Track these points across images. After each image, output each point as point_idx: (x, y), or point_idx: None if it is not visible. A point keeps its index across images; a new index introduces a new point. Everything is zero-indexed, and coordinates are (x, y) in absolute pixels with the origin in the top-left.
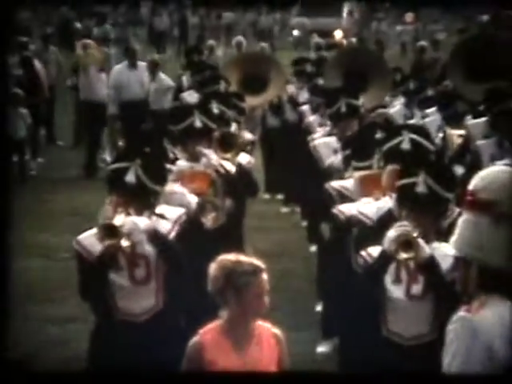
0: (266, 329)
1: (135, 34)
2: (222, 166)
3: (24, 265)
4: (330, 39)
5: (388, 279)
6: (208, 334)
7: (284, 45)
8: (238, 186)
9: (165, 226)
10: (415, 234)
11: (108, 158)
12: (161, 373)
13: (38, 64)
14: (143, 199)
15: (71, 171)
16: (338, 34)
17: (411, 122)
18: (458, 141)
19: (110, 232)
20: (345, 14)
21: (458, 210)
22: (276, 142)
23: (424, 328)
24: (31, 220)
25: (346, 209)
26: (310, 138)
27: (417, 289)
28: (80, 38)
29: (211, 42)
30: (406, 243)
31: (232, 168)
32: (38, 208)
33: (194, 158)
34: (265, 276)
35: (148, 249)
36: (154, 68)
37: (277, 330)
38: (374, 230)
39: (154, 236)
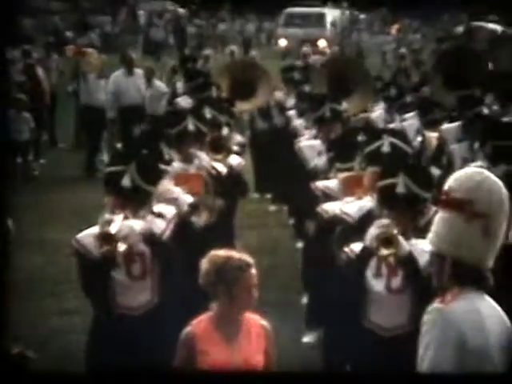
0: (255, 320)
1: (133, 42)
2: (213, 167)
3: (26, 260)
4: (314, 48)
5: (369, 273)
6: (200, 324)
7: (270, 54)
8: (229, 186)
9: (159, 226)
10: (395, 232)
11: (106, 159)
12: (158, 372)
13: (40, 71)
14: (138, 200)
15: (72, 172)
16: (322, 43)
17: (391, 126)
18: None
19: (107, 239)
20: (328, 25)
21: (434, 208)
22: (265, 144)
23: (403, 319)
24: (34, 218)
25: (329, 207)
26: (297, 140)
27: (396, 282)
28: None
29: (207, 51)
30: (386, 240)
31: (223, 169)
32: (40, 206)
33: (188, 159)
34: (253, 271)
35: (143, 248)
36: (149, 75)
37: (264, 322)
38: (356, 228)
39: (149, 236)
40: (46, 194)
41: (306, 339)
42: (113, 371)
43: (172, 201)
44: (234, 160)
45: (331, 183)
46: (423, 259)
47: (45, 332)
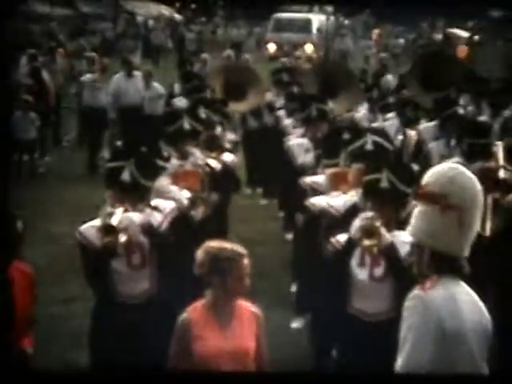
0: (247, 307)
1: (133, 47)
2: (208, 164)
3: (32, 251)
4: (301, 52)
5: (354, 263)
6: (195, 311)
7: (259, 57)
8: (223, 181)
9: (157, 218)
10: (378, 224)
11: (107, 156)
12: (158, 371)
13: (45, 74)
14: (137, 194)
15: (75, 169)
16: (309, 48)
17: (374, 125)
18: None
19: (109, 231)
20: (314, 30)
21: (414, 202)
22: (256, 142)
23: (385, 306)
24: (40, 211)
25: (317, 201)
26: (286, 139)
27: (379, 271)
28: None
29: (204, 55)
30: (369, 232)
31: (217, 166)
32: (45, 201)
33: (184, 156)
34: (246, 261)
35: (142, 239)
36: (148, 77)
37: (256, 309)
38: (342, 220)
39: (147, 228)
40: (51, 189)
41: (295, 324)
42: (114, 378)
43: (170, 196)
44: (227, 157)
45: (318, 179)
46: (404, 249)
47: (50, 317)
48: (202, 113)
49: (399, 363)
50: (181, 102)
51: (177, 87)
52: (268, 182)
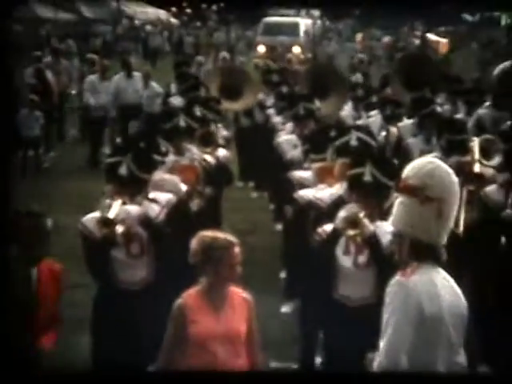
0: (238, 293)
1: (132, 49)
2: (203, 159)
3: None
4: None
5: (339, 251)
6: (190, 296)
7: (249, 59)
8: (217, 175)
9: (155, 210)
10: (361, 215)
11: (108, 152)
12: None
13: (49, 74)
14: (135, 187)
15: (78, 163)
16: (296, 50)
17: (358, 122)
18: None
19: (106, 223)
20: (302, 33)
21: (396, 194)
22: (248, 138)
23: (368, 291)
24: (44, 204)
25: (304, 194)
26: (275, 135)
27: (362, 259)
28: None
29: (199, 57)
30: (352, 223)
31: (212, 161)
32: (50, 193)
33: (180, 152)
34: (237, 249)
35: (140, 230)
36: (146, 78)
37: (247, 294)
38: (328, 212)
39: (144, 220)
40: (55, 182)
41: (284, 309)
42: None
43: (168, 188)
44: (221, 152)
45: (306, 173)
46: (386, 238)
47: None
48: (197, 111)
49: (382, 345)
50: (177, 101)
51: (173, 87)
52: (259, 175)
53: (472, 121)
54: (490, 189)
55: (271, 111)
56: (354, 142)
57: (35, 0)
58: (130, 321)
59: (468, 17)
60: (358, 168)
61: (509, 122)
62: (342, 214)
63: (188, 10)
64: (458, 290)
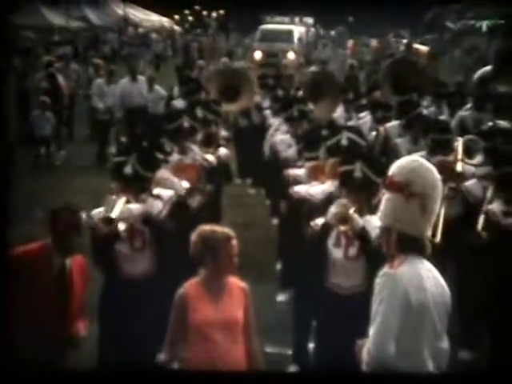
0: (236, 283)
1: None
2: (205, 158)
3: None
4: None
5: (330, 243)
6: (190, 286)
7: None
8: (217, 173)
9: (158, 206)
10: (351, 211)
11: (114, 151)
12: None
13: (60, 78)
14: (139, 186)
15: (87, 161)
16: (291, 56)
17: (349, 123)
18: None
19: (108, 222)
20: (296, 40)
21: (383, 191)
22: (245, 138)
23: (357, 281)
24: (55, 199)
25: (299, 190)
26: (271, 135)
27: (352, 251)
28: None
29: (200, 62)
30: (342, 219)
31: (213, 160)
32: (60, 189)
33: (183, 151)
34: (234, 242)
35: (142, 227)
36: (151, 81)
37: (244, 284)
38: (320, 206)
39: (146, 217)
40: (66, 179)
41: (280, 298)
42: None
43: (170, 186)
44: (222, 152)
45: (299, 171)
46: (374, 232)
47: None
48: (199, 113)
49: (371, 333)
50: (179, 103)
51: (176, 90)
52: (256, 173)
53: (455, 121)
54: (470, 183)
55: (267, 112)
56: (344, 142)
57: (48, 9)
58: (134, 311)
59: (451, 25)
60: (348, 165)
61: (489, 123)
62: (333, 209)
63: (190, 18)
64: (442, 281)
